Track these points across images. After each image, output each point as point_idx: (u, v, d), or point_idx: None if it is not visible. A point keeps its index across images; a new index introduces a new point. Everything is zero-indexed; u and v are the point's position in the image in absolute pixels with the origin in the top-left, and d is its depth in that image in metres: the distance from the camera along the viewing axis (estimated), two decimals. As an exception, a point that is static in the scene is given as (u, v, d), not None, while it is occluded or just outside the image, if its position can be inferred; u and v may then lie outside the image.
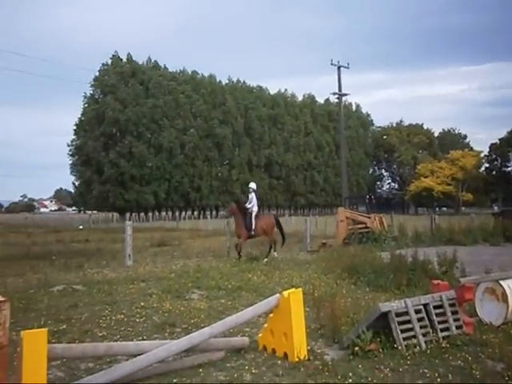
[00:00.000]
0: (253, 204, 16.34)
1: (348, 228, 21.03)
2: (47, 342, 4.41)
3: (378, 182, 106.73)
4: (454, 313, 6.80)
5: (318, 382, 5.07)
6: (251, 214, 16.12)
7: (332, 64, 41.44)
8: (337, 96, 44.01)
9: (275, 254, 16.08)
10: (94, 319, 7.63)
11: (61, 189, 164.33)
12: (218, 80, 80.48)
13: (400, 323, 6.17)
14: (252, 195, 16.59)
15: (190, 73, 77.69)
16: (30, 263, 15.28)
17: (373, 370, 5.38)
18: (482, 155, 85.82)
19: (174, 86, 71.88)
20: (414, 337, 6.20)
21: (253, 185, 17.29)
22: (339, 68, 41.70)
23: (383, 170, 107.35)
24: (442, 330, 6.49)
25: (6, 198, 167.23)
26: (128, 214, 64.63)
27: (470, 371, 5.37)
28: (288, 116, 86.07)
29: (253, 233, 15.97)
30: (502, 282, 7.38)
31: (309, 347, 5.98)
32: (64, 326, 7.18)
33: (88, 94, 71.24)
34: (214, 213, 74.36)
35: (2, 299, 4.20)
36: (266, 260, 15.02)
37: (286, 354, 5.85)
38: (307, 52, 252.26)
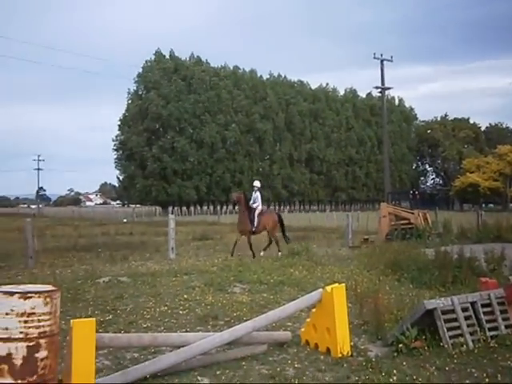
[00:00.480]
0: (258, 204, 16.14)
1: (391, 224, 20.73)
2: (95, 332, 4.53)
3: (422, 178, 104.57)
4: (503, 312, 6.60)
5: (362, 378, 5.02)
6: (255, 210, 15.90)
7: (375, 58, 40.81)
8: (379, 90, 43.32)
9: (279, 253, 15.49)
10: (139, 310, 7.78)
11: (105, 183, 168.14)
12: (259, 75, 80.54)
13: (446, 321, 6.04)
14: (257, 194, 16.26)
15: (231, 68, 78.02)
16: (77, 255, 15.74)
17: (418, 368, 5.29)
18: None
19: (216, 82, 72.34)
20: (461, 335, 6.06)
21: (257, 183, 16.79)
22: (382, 61, 41.01)
23: (427, 165, 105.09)
24: (490, 330, 6.32)
25: (54, 191, 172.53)
26: (170, 208, 65.48)
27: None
28: (329, 111, 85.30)
29: (254, 229, 15.77)
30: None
31: (352, 343, 5.94)
32: (110, 317, 7.36)
33: (132, 90, 72.63)
34: (254, 207, 74.51)
35: (54, 289, 4.32)
36: (262, 253, 15.32)
37: (328, 350, 5.82)
38: (349, 45, 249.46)
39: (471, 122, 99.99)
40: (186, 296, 8.82)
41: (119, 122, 72.80)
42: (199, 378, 5.08)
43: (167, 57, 72.98)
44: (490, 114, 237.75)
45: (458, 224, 20.86)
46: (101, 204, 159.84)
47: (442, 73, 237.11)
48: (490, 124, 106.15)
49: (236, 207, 16.63)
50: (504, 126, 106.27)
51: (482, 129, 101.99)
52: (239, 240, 15.66)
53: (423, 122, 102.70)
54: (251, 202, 16.14)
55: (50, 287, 4.43)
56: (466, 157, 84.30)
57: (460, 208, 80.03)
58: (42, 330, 4.06)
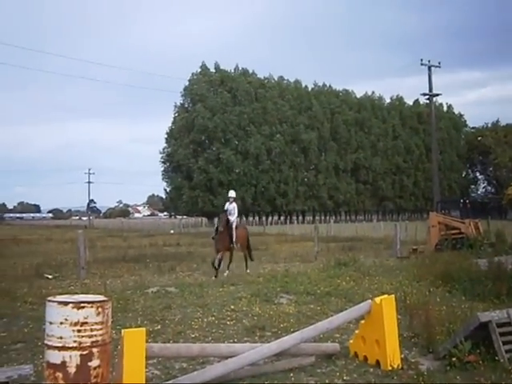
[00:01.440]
0: (235, 216, 14.84)
1: (440, 234, 20.19)
2: (145, 341, 4.60)
3: (472, 186, 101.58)
4: None
5: (414, 392, 4.90)
6: (232, 224, 14.57)
7: (422, 64, 40.03)
8: (427, 97, 42.44)
9: (247, 271, 14.48)
10: (187, 321, 7.86)
11: (153, 195, 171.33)
12: (303, 85, 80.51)
13: (502, 334, 5.82)
14: (233, 205, 14.88)
15: (275, 79, 78.34)
16: (126, 265, 16.10)
17: (472, 383, 5.11)
18: None
19: (261, 93, 72.78)
20: (518, 349, 5.82)
21: (233, 193, 15.35)
22: (430, 68, 40.19)
23: (478, 173, 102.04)
24: (549, 343, 6.04)
25: (104, 204, 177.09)
26: (216, 219, 66.17)
27: None
28: (375, 119, 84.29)
29: (235, 246, 14.61)
30: None
31: (402, 356, 5.81)
32: (159, 327, 7.46)
33: (178, 103, 73.92)
34: (300, 218, 74.24)
35: (105, 299, 4.43)
36: (226, 273, 13.99)
37: (378, 362, 5.71)
38: (395, 52, 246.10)
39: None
40: (232, 307, 8.85)
41: (166, 135, 74.16)
42: (247, 388, 5.07)
43: (212, 69, 74.01)
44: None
45: (512, 233, 20.13)
46: (148, 215, 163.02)
47: (491, 77, 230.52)
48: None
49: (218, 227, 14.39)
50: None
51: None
52: (222, 256, 14.33)
53: (473, 128, 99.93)
54: (228, 214, 14.64)
55: (101, 297, 4.55)
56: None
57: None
58: (94, 339, 4.17)
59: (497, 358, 5.69)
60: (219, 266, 13.95)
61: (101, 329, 4.23)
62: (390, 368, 5.54)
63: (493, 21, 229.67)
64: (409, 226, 32.58)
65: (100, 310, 4.24)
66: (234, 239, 14.45)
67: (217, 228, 14.53)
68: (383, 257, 18.04)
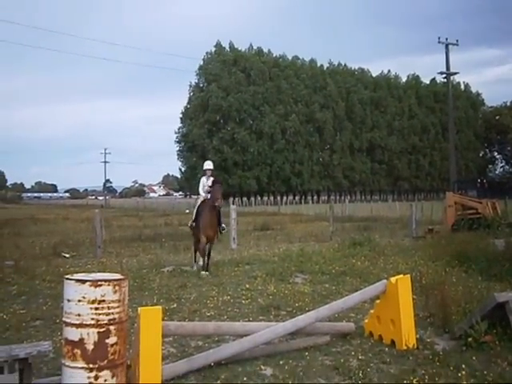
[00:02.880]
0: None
1: (457, 214, 20.01)
2: (161, 319, 4.64)
3: (490, 166, 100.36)
4: None
5: (429, 371, 4.88)
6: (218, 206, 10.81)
7: (439, 42, 39.31)
8: (444, 75, 41.76)
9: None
10: (202, 299, 7.92)
11: (168, 174, 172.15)
12: (318, 64, 79.69)
13: (519, 315, 5.77)
14: (210, 180, 11.15)
15: (290, 58, 77.60)
16: (142, 245, 16.22)
17: (489, 363, 5.09)
18: None
19: (275, 72, 72.24)
20: (535, 330, 5.77)
21: (209, 164, 11.54)
22: (447, 46, 39.47)
23: (495, 153, 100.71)
24: None
25: (119, 183, 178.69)
26: (231, 199, 66.30)
27: None
28: (391, 98, 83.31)
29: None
30: None
31: (417, 336, 5.79)
32: (174, 305, 7.53)
33: (193, 83, 73.73)
34: (315, 198, 74.12)
35: (122, 277, 4.46)
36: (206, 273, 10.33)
37: (393, 342, 5.71)
38: (411, 30, 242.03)
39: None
40: (247, 286, 8.90)
41: (181, 115, 74.24)
42: (262, 367, 5.11)
43: (227, 49, 73.50)
44: None
45: (530, 214, 19.88)
46: (164, 195, 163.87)
47: (509, 56, 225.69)
48: None
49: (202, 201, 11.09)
50: None
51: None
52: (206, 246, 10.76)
53: (491, 107, 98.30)
54: (204, 191, 11.18)
55: (118, 276, 4.58)
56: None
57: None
58: (111, 316, 4.20)
59: (514, 338, 5.65)
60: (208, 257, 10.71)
61: (118, 307, 4.26)
62: (405, 347, 5.53)
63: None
64: (425, 205, 32.34)
65: (117, 288, 4.27)
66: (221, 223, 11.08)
67: (197, 211, 10.97)
68: (398, 237, 17.96)
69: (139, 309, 4.63)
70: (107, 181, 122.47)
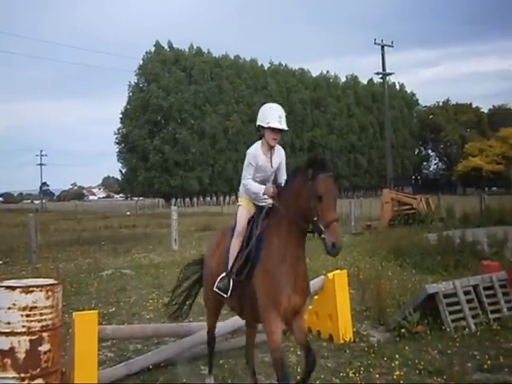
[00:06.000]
0: None
1: (393, 209, 20.71)
2: (98, 324, 4.55)
3: (425, 163, 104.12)
4: (506, 294, 6.62)
5: (364, 363, 5.05)
6: None
7: (376, 43, 40.46)
8: (380, 76, 43.02)
9: None
10: (142, 302, 7.82)
11: (108, 176, 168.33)
12: (259, 64, 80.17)
13: (448, 305, 6.05)
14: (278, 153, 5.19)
15: (232, 58, 77.69)
16: (80, 249, 15.79)
17: (420, 352, 5.31)
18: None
19: (217, 72, 72.12)
20: (463, 319, 6.07)
21: (278, 115, 4.55)
22: (383, 47, 40.67)
23: (429, 151, 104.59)
24: (492, 312, 6.33)
25: (57, 186, 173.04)
26: (173, 200, 65.68)
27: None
28: (330, 98, 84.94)
29: None
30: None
31: (354, 329, 5.96)
32: (113, 309, 7.40)
33: (133, 83, 72.44)
34: (257, 197, 74.51)
35: (55, 282, 4.34)
36: None
37: (331, 336, 5.85)
38: (350, 32, 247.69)
39: (473, 106, 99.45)
40: (189, 287, 8.84)
41: (121, 115, 72.72)
42: (202, 367, 5.11)
43: (166, 48, 72.71)
44: (493, 98, 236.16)
45: (461, 208, 20.81)
46: (104, 197, 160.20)
47: (442, 57, 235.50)
48: (493, 106, 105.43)
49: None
50: (508, 107, 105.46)
51: (485, 112, 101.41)
52: None
53: (425, 107, 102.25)
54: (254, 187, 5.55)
55: (51, 281, 4.45)
56: (469, 141, 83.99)
57: (463, 192, 79.79)
58: (44, 323, 4.09)
59: (443, 327, 5.91)
60: None
61: (51, 313, 4.14)
62: (342, 341, 5.67)
63: (443, 1, 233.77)
64: (363, 202, 33.19)
65: (50, 293, 4.15)
66: None
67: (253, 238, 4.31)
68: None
69: (74, 314, 4.53)
70: (44, 184, 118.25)
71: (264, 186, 4.41)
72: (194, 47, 74.96)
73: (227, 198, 71.33)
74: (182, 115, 69.00)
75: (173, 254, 13.95)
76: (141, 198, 69.08)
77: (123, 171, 74.04)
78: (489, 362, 4.99)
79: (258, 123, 4.58)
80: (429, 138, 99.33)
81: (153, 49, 72.24)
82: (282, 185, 4.37)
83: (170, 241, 15.35)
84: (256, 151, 4.64)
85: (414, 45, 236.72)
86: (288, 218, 3.88)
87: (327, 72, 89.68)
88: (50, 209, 67.14)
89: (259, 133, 4.63)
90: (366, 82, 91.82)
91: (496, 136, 79.70)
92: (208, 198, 71.55)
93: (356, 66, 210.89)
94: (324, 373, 4.90)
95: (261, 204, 4.40)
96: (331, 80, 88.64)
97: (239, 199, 4.70)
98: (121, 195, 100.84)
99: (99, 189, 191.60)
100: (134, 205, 54.15)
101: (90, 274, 10.46)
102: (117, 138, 72.53)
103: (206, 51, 75.38)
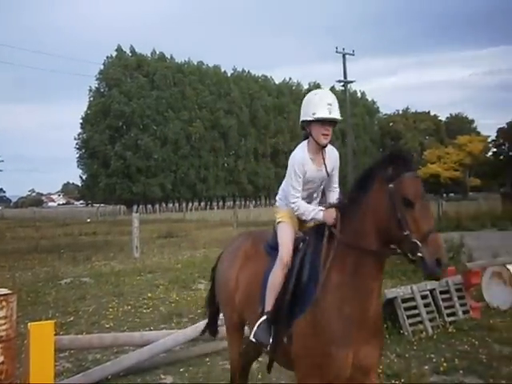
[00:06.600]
0: None
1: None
2: (54, 334, 4.44)
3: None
4: (461, 298, 6.80)
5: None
6: None
7: (337, 52, 41.14)
8: (342, 84, 43.76)
9: None
10: (102, 311, 7.69)
11: (68, 183, 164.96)
12: (223, 70, 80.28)
13: (406, 309, 6.17)
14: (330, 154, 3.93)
15: (195, 64, 77.53)
16: (38, 257, 15.40)
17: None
18: (490, 140, 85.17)
19: (180, 78, 71.79)
20: (421, 322, 6.21)
21: (329, 101, 3.60)
22: (344, 55, 41.40)
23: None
24: (448, 315, 6.50)
25: (15, 193, 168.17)
26: (135, 207, 64.85)
27: (476, 355, 5.37)
28: (293, 105, 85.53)
29: None
30: (509, 266, 7.36)
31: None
32: (71, 319, 7.25)
33: (93, 88, 71.38)
34: (220, 203, 74.40)
35: (9, 292, 4.22)
36: None
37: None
38: (312, 40, 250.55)
39: (432, 114, 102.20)
40: (150, 294, 8.76)
41: (81, 120, 71.50)
42: (162, 376, 5.06)
43: (128, 53, 71.99)
44: (451, 106, 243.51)
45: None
46: (64, 204, 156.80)
47: (403, 66, 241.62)
48: (450, 114, 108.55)
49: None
50: (464, 115, 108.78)
51: (443, 120, 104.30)
52: None
53: (386, 115, 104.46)
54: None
55: (5, 291, 4.32)
56: (428, 148, 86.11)
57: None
58: (-3, 334, 3.97)
59: (401, 331, 6.02)
60: None
61: (4, 323, 4.03)
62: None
63: (404, 11, 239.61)
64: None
65: (3, 303, 4.04)
66: None
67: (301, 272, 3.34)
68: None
69: (29, 324, 4.40)
70: (0, 190, 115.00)
71: (321, 210, 3.23)
72: (157, 52, 74.51)
73: (190, 204, 70.99)
74: (144, 121, 68.33)
75: (134, 261, 13.76)
76: (102, 205, 67.90)
77: (83, 177, 72.74)
78: (445, 364, 5.11)
79: (301, 119, 3.54)
80: (389, 145, 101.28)
81: (114, 53, 71.42)
82: (338, 198, 3.40)
83: (131, 248, 15.14)
84: (303, 156, 3.50)
85: (375, 54, 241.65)
86: (357, 248, 2.91)
87: (290, 79, 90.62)
88: (7, 216, 65.23)
89: (304, 132, 3.62)
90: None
91: (453, 143, 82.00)
92: (170, 205, 70.97)
93: (318, 74, 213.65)
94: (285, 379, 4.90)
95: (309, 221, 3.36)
96: (294, 87, 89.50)
97: (278, 213, 3.58)
98: (81, 202, 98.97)
99: (59, 195, 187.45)
100: (95, 212, 53.20)
101: (48, 282, 10.22)
102: (77, 144, 71.29)
103: (168, 56, 75.03)
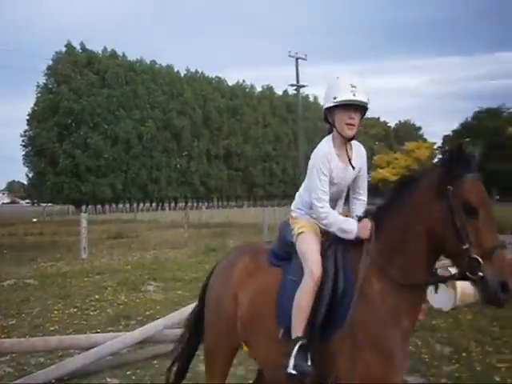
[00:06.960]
0: None
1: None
2: (-5, 337, 4.30)
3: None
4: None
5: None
6: None
7: (290, 56, 41.56)
8: (295, 88, 44.25)
9: None
10: (46, 313, 7.48)
11: (13, 181, 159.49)
12: (176, 70, 79.63)
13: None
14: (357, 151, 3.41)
15: (148, 63, 76.58)
16: (-21, 258, 14.83)
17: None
18: (436, 146, 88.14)
19: (132, 76, 70.70)
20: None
21: (353, 86, 3.02)
22: (297, 59, 41.87)
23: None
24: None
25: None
26: (84, 207, 63.36)
27: (419, 355, 5.53)
28: (246, 107, 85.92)
29: None
30: (450, 269, 7.61)
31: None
32: (14, 321, 7.03)
33: (41, 84, 69.29)
34: (172, 204, 73.73)
35: None
36: None
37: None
38: (267, 43, 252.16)
39: (382, 120, 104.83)
40: (97, 296, 8.59)
41: (28, 117, 69.25)
42: (109, 379, 4.97)
43: (78, 49, 70.32)
44: (400, 113, 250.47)
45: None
46: (8, 203, 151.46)
47: (355, 72, 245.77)
48: (399, 121, 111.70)
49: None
50: (412, 123, 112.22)
51: (392, 127, 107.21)
52: None
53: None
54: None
55: None
56: (377, 153, 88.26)
57: (371, 202, 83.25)
58: None
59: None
60: None
61: None
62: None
63: (357, 18, 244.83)
64: (277, 211, 33.79)
65: None
66: None
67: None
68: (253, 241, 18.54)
69: (-32, 328, 4.25)
70: None
71: (354, 223, 2.82)
72: (108, 50, 73.13)
73: (141, 204, 70.05)
74: (94, 119, 66.88)
75: (81, 262, 13.45)
76: (49, 204, 65.97)
77: (30, 175, 70.50)
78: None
79: (324, 107, 3.06)
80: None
81: (64, 49, 69.60)
82: (372, 206, 2.89)
83: (79, 249, 14.80)
84: (329, 152, 2.94)
85: (329, 59, 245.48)
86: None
87: (243, 81, 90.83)
88: None
89: (328, 126, 3.11)
90: (281, 93, 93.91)
91: (401, 149, 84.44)
92: (121, 205, 69.84)
93: (272, 77, 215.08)
94: (236, 380, 4.90)
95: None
96: (247, 89, 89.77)
97: (297, 224, 3.04)
98: (27, 201, 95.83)
99: (3, 194, 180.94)
100: (42, 211, 51.64)
101: (-11, 284, 9.85)
102: (23, 141, 68.97)
103: (120, 54, 73.79)
